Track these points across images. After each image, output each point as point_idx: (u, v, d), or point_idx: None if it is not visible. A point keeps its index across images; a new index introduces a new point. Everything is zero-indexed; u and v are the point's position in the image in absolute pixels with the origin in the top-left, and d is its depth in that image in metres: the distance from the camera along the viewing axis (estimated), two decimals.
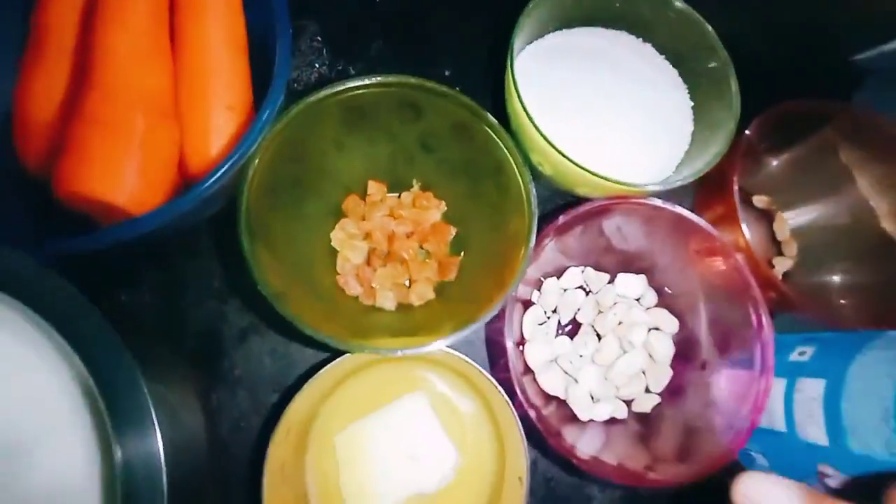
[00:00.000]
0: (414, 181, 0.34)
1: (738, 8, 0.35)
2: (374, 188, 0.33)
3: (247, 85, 0.28)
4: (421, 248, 0.33)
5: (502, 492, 0.28)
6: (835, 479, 0.27)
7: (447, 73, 0.38)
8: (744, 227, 0.31)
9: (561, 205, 0.35)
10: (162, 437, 0.21)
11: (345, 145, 0.31)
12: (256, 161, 0.25)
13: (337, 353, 0.27)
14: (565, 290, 0.33)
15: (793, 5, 0.35)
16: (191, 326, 0.32)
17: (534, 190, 0.26)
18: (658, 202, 0.29)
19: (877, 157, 0.34)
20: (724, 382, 0.30)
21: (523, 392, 0.26)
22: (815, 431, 0.27)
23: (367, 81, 0.27)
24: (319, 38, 0.38)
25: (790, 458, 0.30)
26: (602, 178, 0.27)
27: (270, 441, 0.25)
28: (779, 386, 0.30)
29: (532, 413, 0.26)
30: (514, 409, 0.27)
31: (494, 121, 0.27)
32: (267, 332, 0.32)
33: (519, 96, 0.27)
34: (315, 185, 0.31)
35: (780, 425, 0.30)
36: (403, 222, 0.32)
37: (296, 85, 0.37)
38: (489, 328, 0.33)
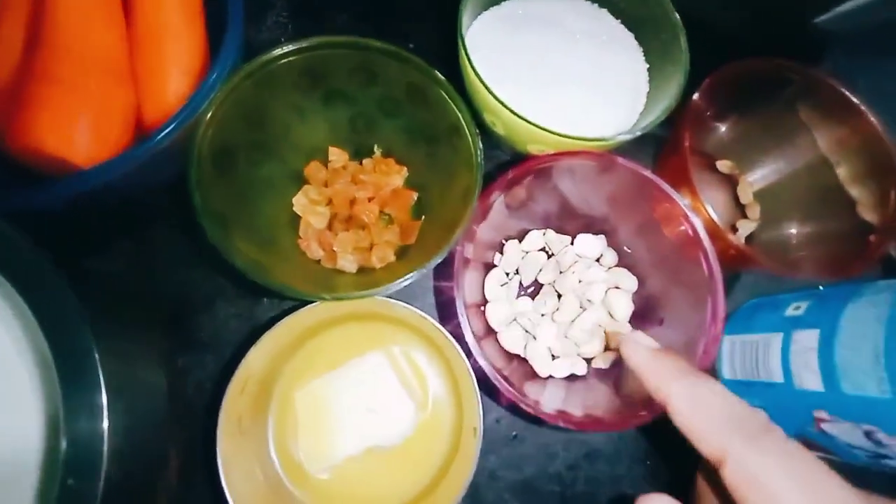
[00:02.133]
0: (375, 147, 0.34)
1: None
2: (336, 154, 0.34)
3: (203, 50, 0.29)
4: (383, 213, 0.34)
5: (460, 443, 0.29)
6: (829, 423, 0.28)
7: (411, 45, 0.38)
8: (699, 187, 0.31)
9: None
10: (116, 401, 0.22)
11: (305, 111, 0.32)
12: (208, 118, 0.25)
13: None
14: (527, 253, 0.34)
15: None
16: (159, 292, 0.33)
17: (480, 143, 0.27)
18: (613, 157, 0.29)
19: (833, 118, 0.34)
20: (680, 335, 0.31)
21: (479, 350, 0.27)
22: (810, 379, 0.28)
23: (316, 42, 0.27)
24: (285, 14, 0.38)
25: (787, 408, 0.30)
26: (549, 131, 0.28)
27: (226, 393, 0.26)
28: (776, 340, 0.31)
29: (488, 368, 0.27)
30: (467, 360, 0.27)
31: (442, 78, 0.27)
32: (234, 297, 0.33)
33: (466, 54, 0.28)
34: (276, 149, 0.32)
35: (777, 377, 0.30)
36: (365, 187, 0.33)
37: None
38: (446, 289, 0.33)
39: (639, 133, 0.29)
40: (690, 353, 0.29)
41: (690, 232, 0.29)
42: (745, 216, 0.39)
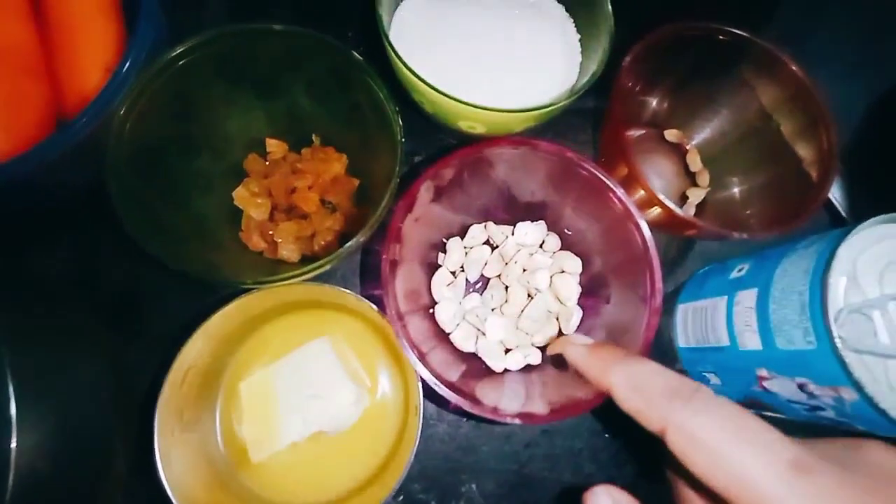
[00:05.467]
0: (314, 136, 0.34)
1: None
2: (274, 146, 0.34)
3: (121, 44, 0.29)
4: (325, 201, 0.34)
5: (406, 425, 0.29)
6: (769, 380, 0.27)
7: (350, 34, 0.38)
8: (644, 157, 0.31)
9: None
10: (42, 405, 0.22)
11: (237, 103, 0.32)
12: (123, 112, 0.25)
13: None
14: (472, 248, 0.33)
15: None
16: (105, 288, 0.33)
17: (400, 121, 0.26)
18: (534, 141, 0.29)
19: (767, 77, 0.34)
20: (627, 311, 0.30)
21: (421, 363, 0.26)
22: (751, 338, 0.28)
23: (230, 30, 0.28)
24: (223, 4, 0.38)
25: (735, 369, 0.30)
26: (470, 105, 0.27)
27: (164, 386, 0.26)
28: (721, 304, 0.31)
29: (432, 381, 0.26)
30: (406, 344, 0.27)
31: (359, 58, 0.27)
32: (182, 291, 0.33)
33: (385, 34, 0.28)
34: (211, 143, 0.32)
35: (724, 340, 0.30)
36: (303, 176, 0.33)
37: None
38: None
39: (564, 102, 0.29)
40: (637, 327, 0.28)
41: (621, 206, 0.28)
42: (696, 184, 0.39)
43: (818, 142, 0.32)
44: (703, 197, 0.38)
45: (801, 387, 0.25)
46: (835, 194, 0.39)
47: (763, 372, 0.28)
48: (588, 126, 0.39)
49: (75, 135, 0.24)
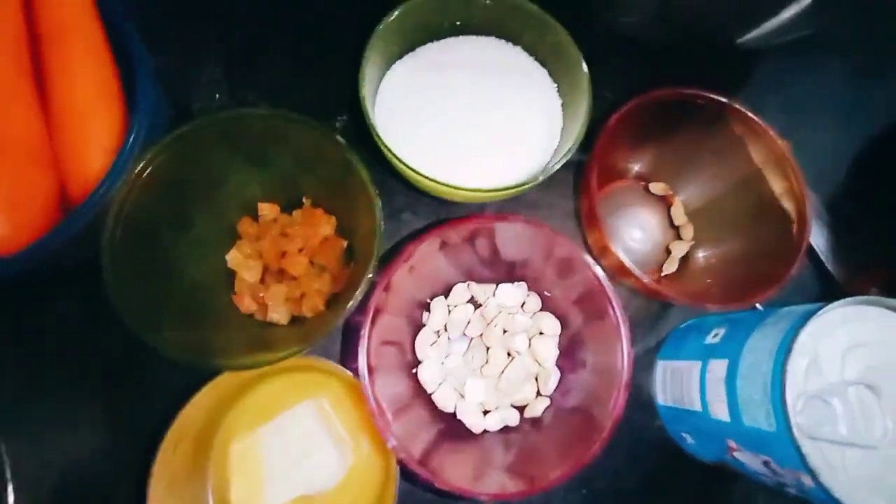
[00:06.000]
0: (304, 199, 0.35)
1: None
2: (266, 209, 0.35)
3: (123, 123, 0.30)
4: (314, 263, 0.35)
5: (387, 486, 0.30)
6: (738, 451, 0.28)
7: (343, 116, 0.39)
8: (607, 224, 0.31)
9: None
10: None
11: (231, 172, 0.33)
12: (120, 196, 0.27)
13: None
14: (455, 307, 0.34)
15: None
16: (103, 350, 0.34)
17: (380, 205, 0.28)
18: (514, 219, 0.30)
19: (745, 140, 0.34)
20: (602, 380, 0.31)
21: (393, 439, 0.27)
22: (721, 410, 0.29)
23: (220, 117, 0.29)
24: (220, 70, 0.40)
25: (708, 435, 0.31)
26: (454, 187, 0.28)
27: (157, 454, 0.27)
28: (695, 369, 0.32)
29: (406, 457, 0.27)
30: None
31: (342, 141, 0.29)
32: None
33: (369, 119, 0.29)
34: (206, 211, 0.33)
35: (697, 406, 0.31)
36: (293, 240, 0.34)
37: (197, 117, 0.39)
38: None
39: (539, 179, 0.30)
40: (607, 400, 0.29)
41: (596, 282, 0.29)
42: (680, 237, 0.39)
43: (792, 210, 0.32)
44: (686, 251, 0.38)
45: (766, 464, 0.26)
46: (819, 245, 0.40)
47: (732, 443, 0.29)
48: (572, 179, 0.39)
49: (80, 222, 0.25)
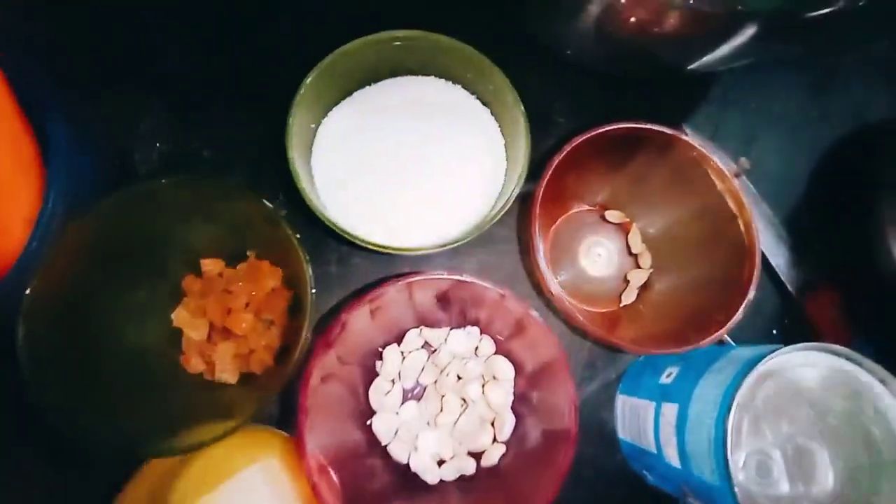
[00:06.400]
0: (248, 252, 0.35)
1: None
2: (209, 265, 0.34)
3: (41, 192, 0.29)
4: (261, 317, 0.34)
5: None
6: (691, 497, 0.28)
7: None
8: (542, 263, 0.30)
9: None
10: None
11: (170, 230, 0.32)
12: (42, 274, 0.26)
13: None
14: (410, 353, 0.34)
15: None
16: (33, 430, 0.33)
17: (309, 270, 0.27)
18: (445, 275, 0.29)
19: (692, 170, 0.33)
20: (553, 425, 0.31)
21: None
22: (672, 456, 0.29)
23: (152, 186, 0.28)
24: (161, 116, 0.39)
25: (664, 476, 0.31)
26: (393, 249, 0.28)
27: None
28: (649, 410, 0.31)
29: None
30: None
31: (269, 206, 0.28)
32: None
33: (299, 186, 0.28)
34: (147, 270, 0.32)
35: (653, 448, 0.31)
36: (237, 296, 0.33)
37: (139, 167, 0.38)
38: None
39: (480, 230, 0.29)
40: (557, 453, 0.29)
41: (542, 335, 0.29)
42: (638, 266, 0.39)
43: (743, 239, 0.32)
44: (644, 279, 0.38)
45: None
46: (779, 263, 0.39)
47: (685, 488, 0.28)
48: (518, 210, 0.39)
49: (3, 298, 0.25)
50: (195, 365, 0.33)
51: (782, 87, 0.42)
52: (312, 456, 0.28)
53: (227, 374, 0.33)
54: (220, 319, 0.33)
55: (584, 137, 0.32)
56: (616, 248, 0.39)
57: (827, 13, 0.27)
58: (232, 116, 0.38)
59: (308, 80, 0.29)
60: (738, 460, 0.24)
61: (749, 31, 0.29)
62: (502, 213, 0.30)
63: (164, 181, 0.28)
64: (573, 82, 0.41)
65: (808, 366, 0.25)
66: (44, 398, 0.25)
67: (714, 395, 0.26)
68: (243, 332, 0.33)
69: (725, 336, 0.31)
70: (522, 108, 0.30)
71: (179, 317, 0.34)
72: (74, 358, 0.28)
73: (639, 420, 0.32)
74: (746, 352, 0.27)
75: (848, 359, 0.25)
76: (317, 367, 0.29)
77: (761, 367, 0.25)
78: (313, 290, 0.27)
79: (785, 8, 0.27)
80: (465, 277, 0.29)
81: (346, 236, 0.28)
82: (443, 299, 0.33)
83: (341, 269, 0.37)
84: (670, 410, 0.29)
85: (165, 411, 0.30)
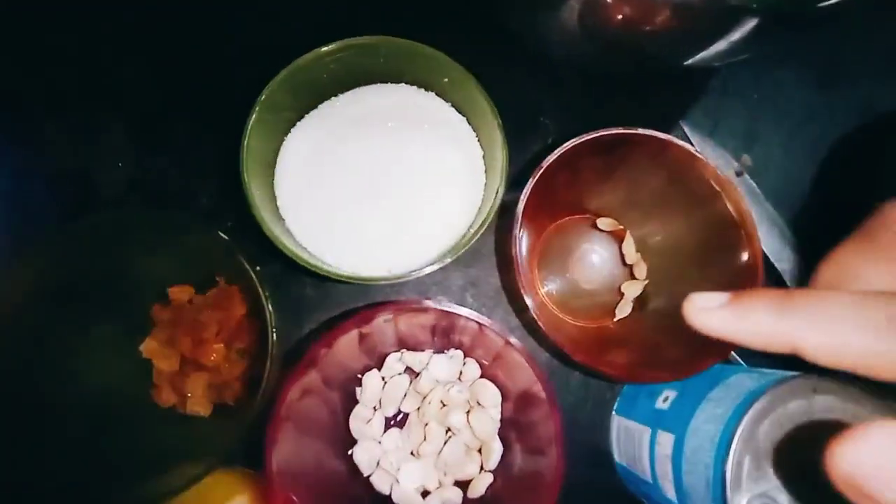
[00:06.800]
0: (217, 277, 0.33)
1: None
2: (178, 292, 0.32)
3: None
4: (233, 347, 0.32)
5: None
6: None
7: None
8: (523, 282, 0.28)
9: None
10: None
11: (131, 262, 0.30)
12: None
13: None
14: (391, 378, 0.32)
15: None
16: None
17: (269, 306, 0.25)
18: (428, 304, 0.27)
19: (688, 175, 0.31)
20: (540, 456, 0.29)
21: None
22: (668, 489, 0.27)
23: (104, 220, 0.27)
24: (120, 135, 0.36)
25: None
26: (359, 279, 0.26)
27: None
28: (645, 436, 0.29)
29: None
30: None
31: (226, 239, 0.26)
32: None
33: (257, 215, 0.26)
34: (109, 304, 0.31)
35: (648, 477, 0.29)
36: (207, 326, 0.32)
37: (103, 189, 0.36)
38: None
39: (453, 257, 0.27)
40: (546, 486, 0.26)
41: (525, 363, 0.26)
42: (633, 276, 0.36)
43: (745, 248, 0.29)
44: (640, 291, 0.36)
45: None
46: (784, 269, 0.37)
47: None
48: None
49: None
50: (166, 398, 0.31)
51: (784, 80, 0.39)
52: (280, 485, 0.26)
53: (199, 406, 0.31)
54: (190, 350, 0.32)
55: (570, 145, 0.30)
56: (609, 257, 0.37)
57: (834, 4, 0.24)
58: (197, 134, 0.36)
59: (262, 98, 0.27)
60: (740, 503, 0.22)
61: (747, 26, 0.27)
62: (481, 231, 0.27)
63: (114, 215, 0.27)
64: (560, 81, 0.38)
65: (815, 394, 0.23)
66: None
67: (712, 431, 0.24)
68: (214, 363, 0.31)
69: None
70: (499, 119, 0.28)
71: (149, 348, 0.32)
72: (26, 406, 0.26)
73: (634, 445, 0.31)
74: (747, 380, 0.25)
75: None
76: (290, 393, 0.27)
77: (763, 401, 0.22)
78: (274, 329, 0.25)
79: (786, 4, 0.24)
80: (445, 307, 0.27)
81: (312, 268, 0.26)
82: (425, 324, 0.31)
83: (319, 291, 0.35)
84: (666, 440, 0.27)
85: (134, 454, 0.28)
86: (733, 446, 0.22)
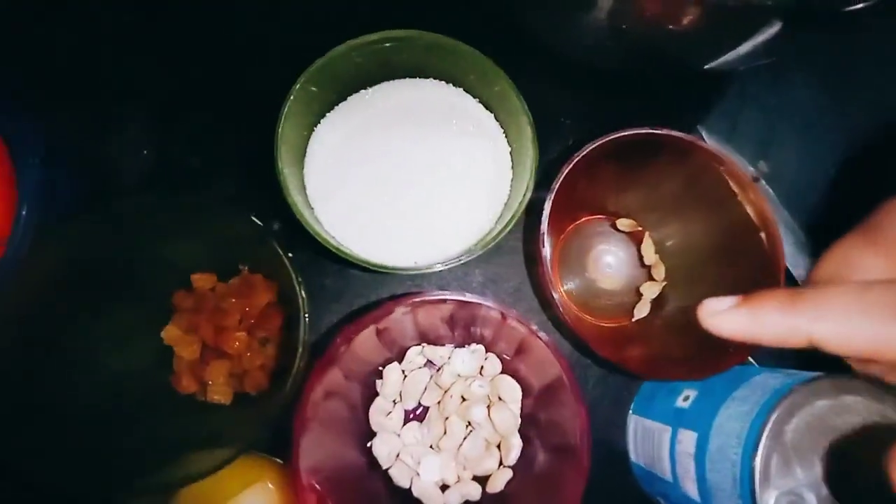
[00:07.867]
0: (240, 266, 0.33)
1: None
2: (200, 280, 0.32)
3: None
4: (255, 335, 0.32)
5: None
6: None
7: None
8: (549, 277, 0.28)
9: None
10: None
11: (156, 246, 0.30)
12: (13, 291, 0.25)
13: None
14: (411, 371, 0.32)
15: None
16: None
17: (303, 293, 0.25)
18: (448, 296, 0.27)
19: (710, 176, 0.31)
20: (564, 452, 0.29)
21: None
22: (691, 488, 0.27)
23: (130, 204, 0.27)
24: (143, 124, 0.36)
25: None
26: (387, 268, 0.26)
27: None
28: (665, 435, 0.29)
29: None
30: None
31: (259, 223, 0.26)
32: None
33: (289, 200, 0.26)
34: (132, 288, 0.31)
35: (668, 475, 0.29)
36: (230, 314, 0.32)
37: (126, 176, 0.36)
38: None
39: (480, 251, 0.27)
40: (567, 482, 0.27)
41: (554, 360, 0.27)
42: (652, 278, 0.37)
43: (766, 249, 0.30)
44: (658, 292, 0.36)
45: None
46: (801, 275, 0.37)
47: None
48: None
49: None
50: (187, 385, 0.31)
51: (801, 85, 0.39)
52: (307, 479, 0.26)
53: (220, 394, 0.31)
54: (212, 338, 0.32)
55: (595, 144, 0.30)
56: (628, 258, 0.37)
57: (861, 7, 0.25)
58: (220, 123, 0.36)
59: (297, 87, 0.27)
60: (768, 502, 0.22)
61: (772, 29, 0.27)
62: (510, 227, 0.28)
63: (142, 200, 0.27)
64: (579, 82, 0.38)
65: (842, 391, 0.23)
66: (11, 441, 0.23)
67: (738, 428, 0.24)
68: (236, 352, 0.31)
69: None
70: (529, 115, 0.28)
71: (170, 334, 0.32)
72: (47, 392, 0.26)
73: (653, 444, 0.31)
74: (772, 378, 0.25)
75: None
76: (315, 388, 0.27)
77: (791, 399, 0.23)
78: (306, 315, 0.25)
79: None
80: (466, 297, 0.27)
81: (341, 254, 0.26)
82: (446, 317, 0.31)
83: (339, 283, 0.35)
84: (688, 438, 0.27)
85: (154, 441, 0.28)
86: (762, 441, 0.22)
